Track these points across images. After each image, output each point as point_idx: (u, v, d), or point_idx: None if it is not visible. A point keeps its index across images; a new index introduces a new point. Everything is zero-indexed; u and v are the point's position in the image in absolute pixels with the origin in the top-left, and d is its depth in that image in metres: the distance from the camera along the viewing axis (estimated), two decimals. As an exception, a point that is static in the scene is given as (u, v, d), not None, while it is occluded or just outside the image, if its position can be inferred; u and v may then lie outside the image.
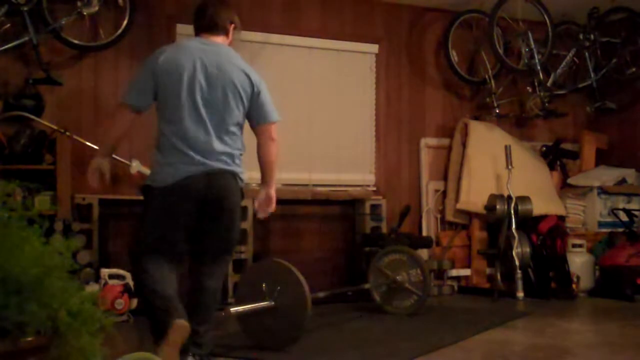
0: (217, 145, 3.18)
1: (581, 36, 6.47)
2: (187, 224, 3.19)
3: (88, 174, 3.29)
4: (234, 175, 3.25)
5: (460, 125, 6.30)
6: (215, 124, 3.19)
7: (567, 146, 6.81)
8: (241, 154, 3.32)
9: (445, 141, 6.35)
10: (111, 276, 4.51)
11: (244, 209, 5.01)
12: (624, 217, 6.15)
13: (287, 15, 5.75)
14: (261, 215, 3.53)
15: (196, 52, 3.23)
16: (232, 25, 3.40)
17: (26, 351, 1.95)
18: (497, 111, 6.32)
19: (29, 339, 1.95)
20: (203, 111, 3.17)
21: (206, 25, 3.35)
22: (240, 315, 3.75)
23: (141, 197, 3.35)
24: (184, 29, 5.20)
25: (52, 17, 4.74)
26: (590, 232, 6.36)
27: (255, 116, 3.34)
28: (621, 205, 6.33)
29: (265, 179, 3.45)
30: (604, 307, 5.43)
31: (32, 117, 4.70)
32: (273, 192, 3.45)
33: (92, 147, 4.83)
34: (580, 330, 4.68)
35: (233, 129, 3.25)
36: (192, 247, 3.28)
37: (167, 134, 3.20)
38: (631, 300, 5.53)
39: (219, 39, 3.35)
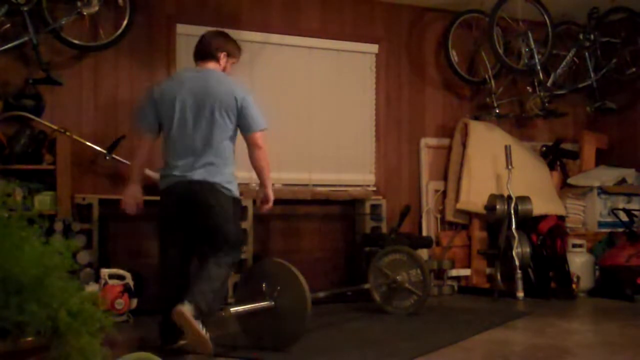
0: (203, 159, 3.59)
1: (581, 36, 6.46)
2: (177, 223, 3.65)
3: (124, 203, 3.76)
4: (214, 184, 3.60)
5: (460, 125, 6.30)
6: (203, 141, 3.61)
7: (567, 146, 6.81)
8: (230, 162, 3.68)
9: (445, 141, 6.35)
10: (111, 276, 4.51)
11: (244, 209, 5.01)
12: (624, 217, 6.14)
13: (287, 15, 5.74)
14: (262, 210, 3.98)
15: (187, 81, 3.69)
16: (224, 54, 3.80)
17: (26, 351, 1.95)
18: (497, 111, 6.31)
19: (29, 339, 1.95)
20: (192, 131, 3.61)
21: (197, 53, 3.82)
22: (240, 315, 3.75)
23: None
24: (184, 29, 5.21)
25: (52, 17, 4.73)
26: (590, 232, 6.35)
27: (242, 127, 3.73)
28: (621, 205, 6.32)
29: (260, 181, 3.90)
30: (604, 307, 5.43)
31: (32, 117, 4.69)
32: (269, 192, 3.88)
33: (93, 147, 4.83)
34: (580, 330, 4.67)
35: (223, 142, 3.65)
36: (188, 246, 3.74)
37: (165, 152, 3.72)
38: (631, 300, 5.53)
39: (210, 65, 3.78)
